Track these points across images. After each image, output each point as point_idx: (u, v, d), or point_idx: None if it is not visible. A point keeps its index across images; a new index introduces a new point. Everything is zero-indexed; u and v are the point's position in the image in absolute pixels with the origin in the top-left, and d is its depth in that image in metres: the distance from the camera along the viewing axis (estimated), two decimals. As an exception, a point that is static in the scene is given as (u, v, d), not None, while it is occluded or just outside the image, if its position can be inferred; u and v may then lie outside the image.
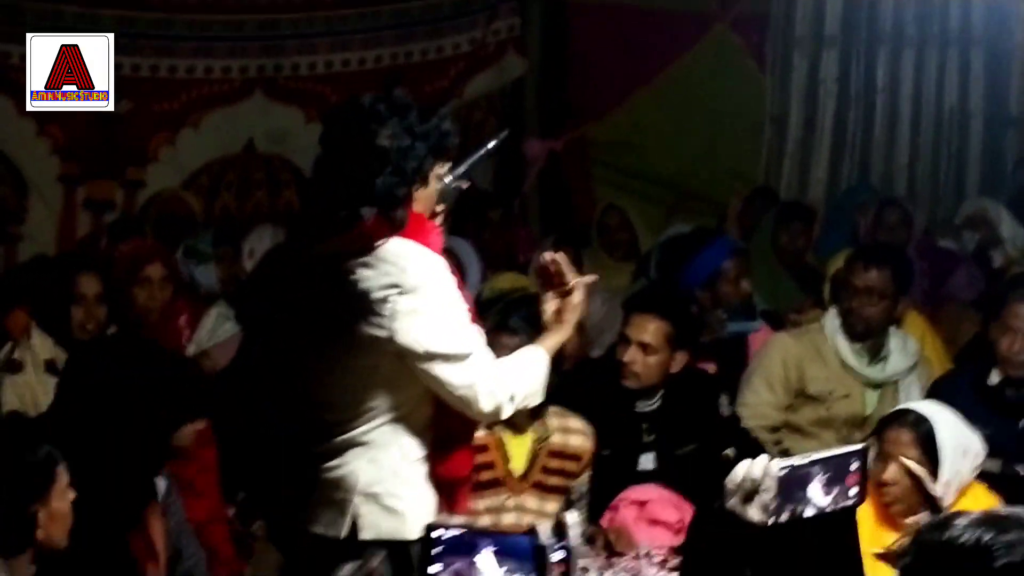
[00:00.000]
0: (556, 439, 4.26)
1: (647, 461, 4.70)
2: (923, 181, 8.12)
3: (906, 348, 5.19)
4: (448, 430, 3.39)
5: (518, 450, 4.19)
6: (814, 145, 8.14)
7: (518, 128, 7.99)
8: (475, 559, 1.97)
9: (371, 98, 3.29)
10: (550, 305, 3.53)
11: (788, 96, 8.14)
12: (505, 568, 1.95)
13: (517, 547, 1.95)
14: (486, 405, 3.31)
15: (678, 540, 4.34)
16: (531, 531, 1.96)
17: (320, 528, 3.32)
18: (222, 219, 6.98)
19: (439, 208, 3.39)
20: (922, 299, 6.27)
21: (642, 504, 4.44)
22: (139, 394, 3.53)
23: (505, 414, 3.40)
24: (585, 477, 4.36)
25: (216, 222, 6.79)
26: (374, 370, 3.29)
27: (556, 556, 1.95)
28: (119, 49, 6.86)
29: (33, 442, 2.95)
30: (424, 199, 3.32)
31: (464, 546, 1.97)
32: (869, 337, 5.11)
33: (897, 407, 4.11)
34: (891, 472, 3.91)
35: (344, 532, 3.29)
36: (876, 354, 5.14)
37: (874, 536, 3.75)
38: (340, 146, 3.29)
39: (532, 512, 4.16)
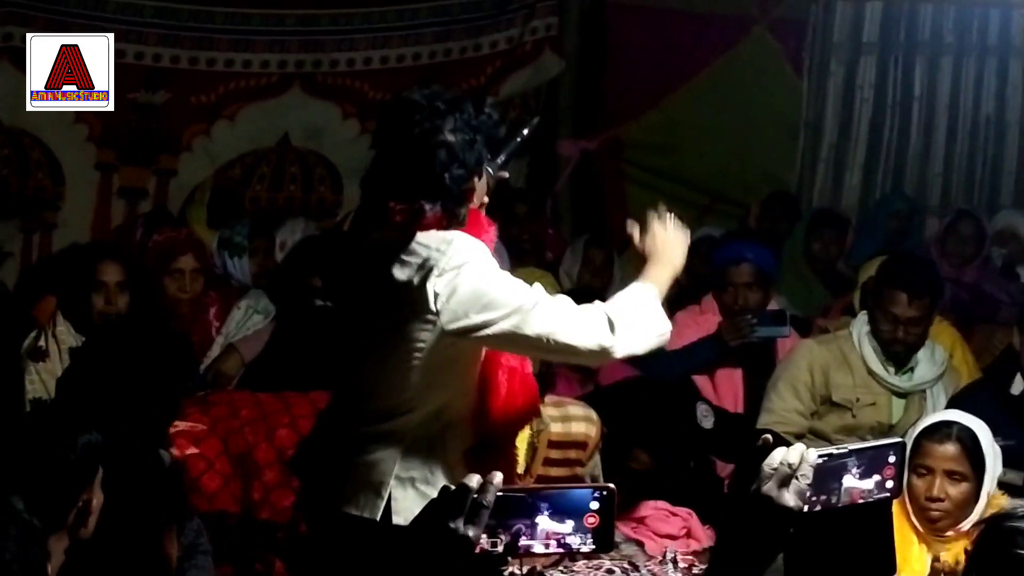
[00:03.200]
0: (556, 428, 4.23)
1: None
2: (958, 190, 8.09)
3: (934, 357, 5.15)
4: (489, 430, 3.38)
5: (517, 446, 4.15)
6: (849, 151, 8.14)
7: (553, 128, 7.99)
8: (537, 519, 1.94)
9: (424, 94, 3.28)
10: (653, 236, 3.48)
11: (824, 102, 8.14)
12: (564, 527, 1.94)
13: (573, 502, 1.96)
14: (578, 340, 3.19)
15: (687, 544, 4.35)
16: (600, 485, 1.96)
17: (354, 509, 3.31)
18: (253, 211, 7.00)
19: (485, 199, 3.39)
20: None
21: (640, 521, 4.43)
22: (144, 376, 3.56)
23: (611, 343, 3.21)
24: (595, 462, 4.33)
25: (246, 214, 6.81)
26: (417, 361, 3.27)
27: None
28: (160, 40, 7.01)
29: (84, 429, 2.94)
30: (478, 191, 3.34)
31: (526, 506, 1.93)
32: (907, 358, 5.10)
33: (932, 420, 4.06)
34: (940, 487, 3.87)
35: (379, 514, 3.28)
36: (903, 363, 5.12)
37: (900, 544, 3.73)
38: (405, 143, 3.24)
39: None
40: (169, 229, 5.79)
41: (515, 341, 3.22)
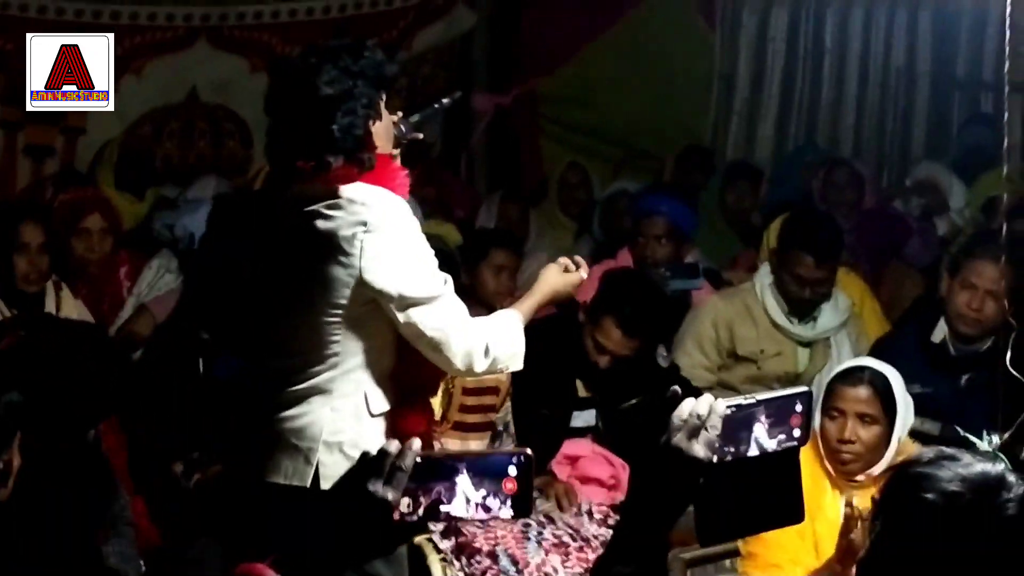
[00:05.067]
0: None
1: (587, 418, 4.70)
2: (869, 142, 8.16)
3: (837, 306, 5.22)
4: (409, 384, 3.40)
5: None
6: (762, 103, 8.17)
7: (467, 82, 7.94)
8: (456, 481, 1.94)
9: (299, 54, 3.34)
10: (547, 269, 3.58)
11: (736, 54, 8.16)
12: (483, 491, 1.95)
13: (492, 467, 1.96)
14: (458, 351, 3.30)
15: (611, 496, 4.37)
16: (518, 450, 1.97)
17: (281, 477, 3.32)
18: (164, 169, 6.90)
19: (394, 152, 3.40)
20: (873, 262, 6.29)
21: (574, 460, 4.45)
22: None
23: (479, 366, 3.35)
24: (506, 409, 4.35)
25: (157, 173, 6.71)
26: (339, 314, 3.29)
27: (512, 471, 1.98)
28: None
29: (5, 388, 2.86)
30: (381, 134, 3.34)
31: (445, 469, 1.95)
32: (810, 309, 5.14)
33: (846, 365, 4.11)
34: (851, 430, 3.91)
35: (309, 481, 3.29)
36: (807, 314, 5.17)
37: (813, 491, 3.75)
38: (287, 106, 3.30)
39: None
40: (76, 188, 5.70)
41: (411, 326, 3.29)
